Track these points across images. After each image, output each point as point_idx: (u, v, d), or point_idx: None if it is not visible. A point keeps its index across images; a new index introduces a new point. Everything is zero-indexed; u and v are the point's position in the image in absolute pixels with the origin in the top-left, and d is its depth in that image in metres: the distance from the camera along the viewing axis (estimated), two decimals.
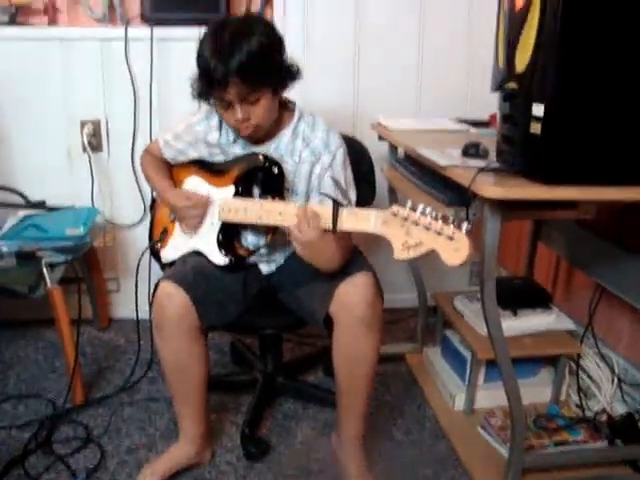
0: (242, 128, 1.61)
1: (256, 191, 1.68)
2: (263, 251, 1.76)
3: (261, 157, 1.64)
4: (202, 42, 1.55)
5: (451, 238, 1.27)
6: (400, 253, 1.33)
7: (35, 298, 2.01)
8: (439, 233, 1.28)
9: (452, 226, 1.27)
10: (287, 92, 1.68)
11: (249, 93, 1.53)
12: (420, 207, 1.32)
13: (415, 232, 1.31)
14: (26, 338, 2.47)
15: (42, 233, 2.08)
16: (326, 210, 1.45)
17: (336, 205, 1.44)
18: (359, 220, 1.42)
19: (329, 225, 1.44)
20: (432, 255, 1.32)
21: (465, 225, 1.26)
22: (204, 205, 1.68)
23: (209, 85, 1.55)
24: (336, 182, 1.66)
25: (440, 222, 1.28)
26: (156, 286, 1.61)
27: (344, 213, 1.43)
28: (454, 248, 1.26)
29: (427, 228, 1.30)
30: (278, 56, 1.59)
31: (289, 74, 1.62)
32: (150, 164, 1.84)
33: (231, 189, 1.67)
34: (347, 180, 1.72)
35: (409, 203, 1.34)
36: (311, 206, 1.48)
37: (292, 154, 1.70)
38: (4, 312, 2.42)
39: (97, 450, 1.82)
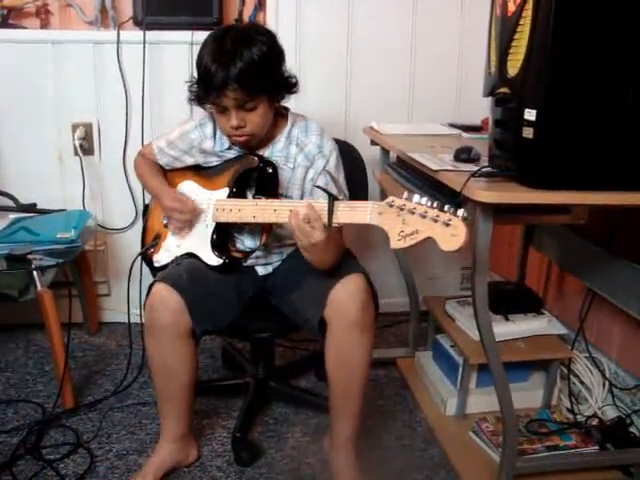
0: (236, 135, 1.61)
1: (250, 192, 1.67)
2: (259, 253, 1.75)
3: (255, 158, 1.64)
4: (203, 47, 1.57)
5: (447, 224, 1.26)
6: (396, 243, 1.33)
7: (25, 301, 2.00)
8: (435, 220, 1.28)
9: (448, 213, 1.27)
10: (283, 103, 1.69)
11: (246, 100, 1.54)
12: (416, 197, 1.33)
13: (411, 221, 1.31)
14: (15, 342, 2.45)
15: (33, 236, 2.07)
16: (321, 204, 1.44)
17: (332, 198, 1.43)
18: (355, 212, 1.41)
19: (325, 219, 1.43)
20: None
21: (461, 211, 1.27)
22: (191, 211, 1.67)
23: (208, 90, 1.55)
24: (331, 177, 1.66)
25: (436, 210, 1.29)
26: (150, 287, 1.59)
27: (340, 206, 1.43)
28: (451, 234, 1.26)
29: (423, 216, 1.29)
30: (278, 67, 1.60)
31: (287, 86, 1.64)
32: (145, 167, 1.83)
33: (225, 191, 1.67)
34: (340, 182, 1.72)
35: (405, 194, 1.35)
36: (311, 203, 1.46)
37: (287, 160, 1.70)
38: None
39: (87, 455, 1.81)
